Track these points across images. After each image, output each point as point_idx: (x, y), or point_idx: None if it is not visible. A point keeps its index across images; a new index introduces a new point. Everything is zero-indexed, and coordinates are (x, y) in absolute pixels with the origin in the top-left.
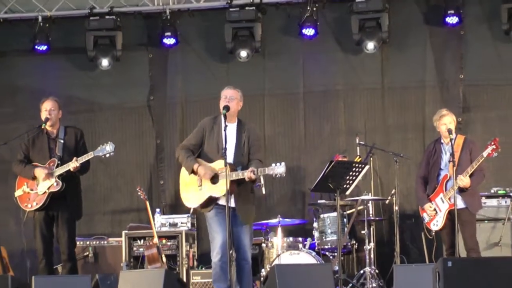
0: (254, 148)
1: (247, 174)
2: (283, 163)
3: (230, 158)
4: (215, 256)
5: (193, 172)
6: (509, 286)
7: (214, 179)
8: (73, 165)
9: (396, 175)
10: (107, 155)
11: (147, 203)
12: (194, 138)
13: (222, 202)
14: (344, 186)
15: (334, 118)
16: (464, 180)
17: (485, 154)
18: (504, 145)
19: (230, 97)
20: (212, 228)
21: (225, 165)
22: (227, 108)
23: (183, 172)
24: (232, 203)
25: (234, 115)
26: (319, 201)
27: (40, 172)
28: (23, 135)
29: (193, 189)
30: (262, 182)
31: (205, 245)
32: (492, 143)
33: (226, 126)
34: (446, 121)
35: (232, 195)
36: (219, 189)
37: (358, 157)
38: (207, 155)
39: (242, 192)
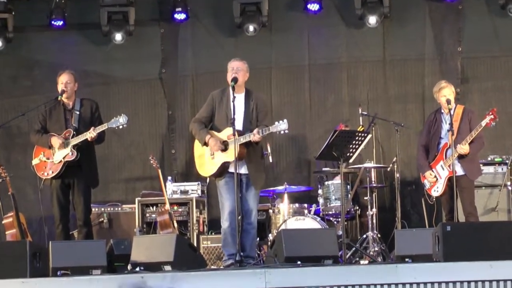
0: (261, 115)
1: (251, 136)
2: (285, 120)
3: (239, 126)
4: (224, 223)
5: (205, 144)
6: (504, 248)
7: (224, 147)
8: (90, 135)
9: (397, 143)
10: (120, 127)
11: (159, 171)
12: (205, 111)
13: (233, 169)
14: (348, 154)
15: (337, 89)
16: (464, 148)
17: (483, 123)
18: (500, 114)
19: (237, 68)
20: (222, 195)
21: (234, 134)
22: (235, 80)
23: (197, 144)
24: (244, 170)
25: (242, 85)
26: (324, 169)
27: (56, 141)
28: (40, 107)
29: (207, 159)
30: (269, 150)
31: (215, 212)
32: (491, 113)
33: (234, 97)
34: (446, 93)
35: (244, 162)
36: (230, 154)
37: (360, 126)
38: (217, 126)
39: (252, 158)
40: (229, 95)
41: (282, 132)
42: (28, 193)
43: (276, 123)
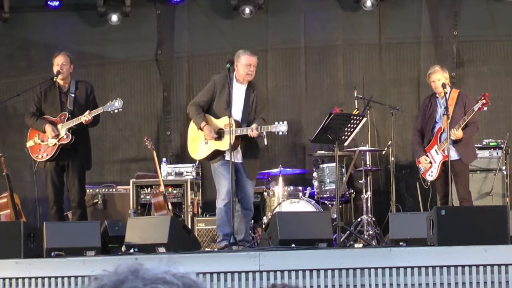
0: (260, 107)
1: (249, 131)
2: (285, 122)
3: (237, 116)
4: (221, 202)
5: (200, 129)
6: (499, 233)
7: (219, 134)
8: (84, 118)
9: (392, 127)
10: (116, 111)
11: (154, 153)
12: (205, 95)
13: (228, 157)
14: (343, 137)
15: (333, 72)
16: (456, 134)
17: (475, 108)
18: (495, 99)
19: (254, 65)
20: (219, 175)
21: (229, 116)
22: (231, 62)
23: (192, 126)
24: (239, 159)
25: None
26: (319, 152)
27: (49, 130)
28: (35, 87)
29: (200, 143)
30: (264, 133)
31: (209, 194)
32: (482, 98)
33: (230, 79)
34: (435, 78)
35: (240, 151)
36: (224, 144)
37: (356, 110)
38: (216, 112)
39: (248, 148)
40: (232, 83)
41: (280, 133)
42: (23, 174)
43: (276, 123)
